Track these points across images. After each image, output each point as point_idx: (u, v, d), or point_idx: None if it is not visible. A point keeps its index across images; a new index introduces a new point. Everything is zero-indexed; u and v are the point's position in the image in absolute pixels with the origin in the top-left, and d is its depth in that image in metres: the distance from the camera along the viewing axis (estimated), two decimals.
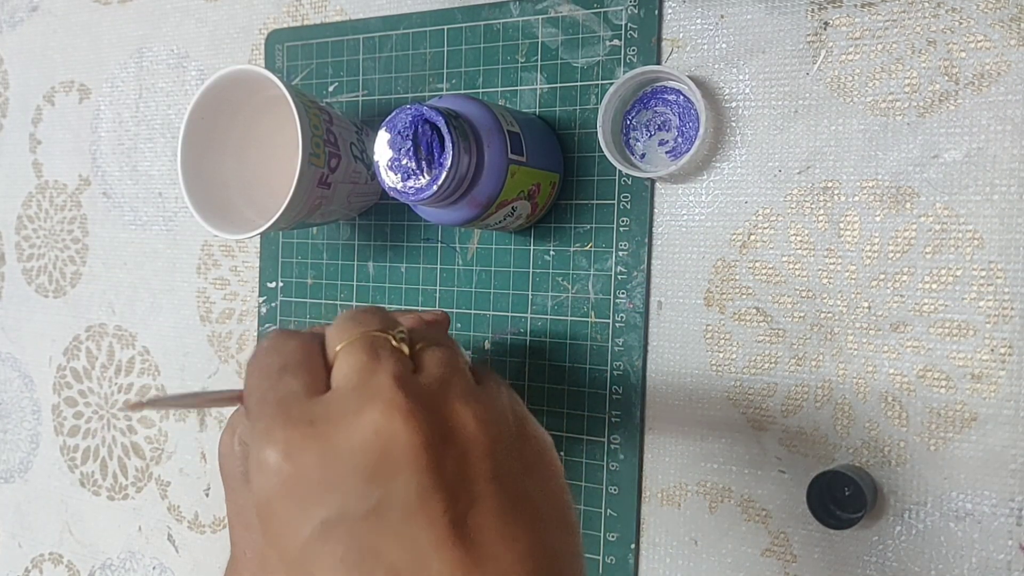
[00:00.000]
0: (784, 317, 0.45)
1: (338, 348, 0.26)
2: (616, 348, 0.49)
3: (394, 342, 0.27)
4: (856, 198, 0.44)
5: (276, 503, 0.24)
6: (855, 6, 0.44)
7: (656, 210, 0.48)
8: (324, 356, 0.27)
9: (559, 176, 0.49)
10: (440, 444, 0.24)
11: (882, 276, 0.43)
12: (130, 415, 0.68)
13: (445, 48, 0.54)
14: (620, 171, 0.48)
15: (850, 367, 0.44)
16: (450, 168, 0.42)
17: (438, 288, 0.54)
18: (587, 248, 0.50)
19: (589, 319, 0.49)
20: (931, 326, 0.42)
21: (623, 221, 0.49)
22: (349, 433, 0.23)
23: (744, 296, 0.46)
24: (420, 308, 0.55)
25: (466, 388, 0.26)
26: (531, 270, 0.51)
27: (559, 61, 0.50)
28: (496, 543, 0.24)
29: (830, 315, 0.44)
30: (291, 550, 0.24)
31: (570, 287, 0.50)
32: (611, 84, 0.47)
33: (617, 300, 0.49)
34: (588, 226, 0.50)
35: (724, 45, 0.46)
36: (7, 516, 0.76)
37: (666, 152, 0.48)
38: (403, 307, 0.56)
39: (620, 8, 0.48)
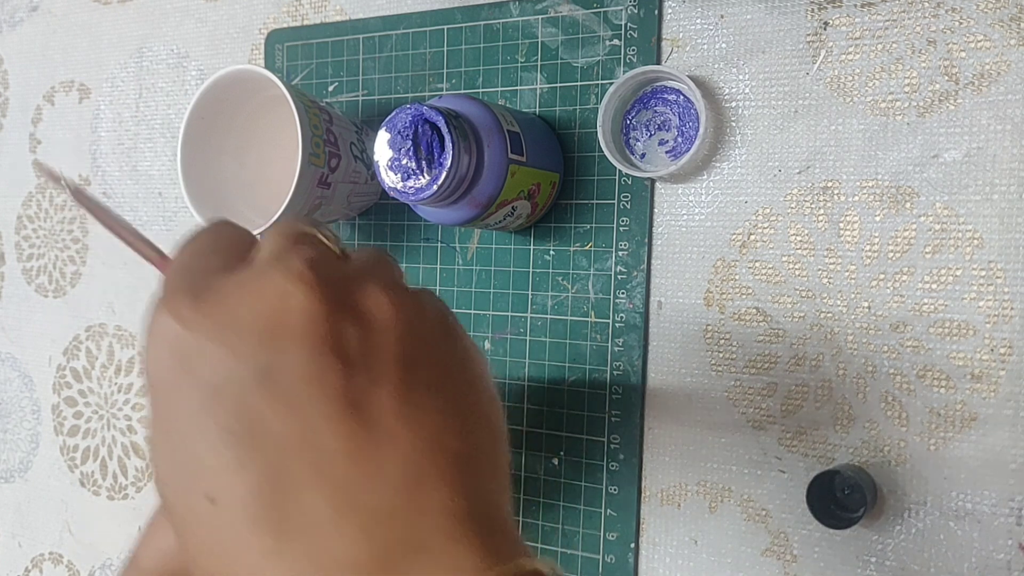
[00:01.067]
0: (784, 317, 0.45)
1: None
2: (616, 348, 0.49)
3: (324, 240, 0.25)
4: (856, 198, 0.44)
5: (166, 372, 0.22)
6: (855, 6, 0.44)
7: (656, 210, 0.48)
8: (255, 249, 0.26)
9: (559, 176, 0.49)
10: (342, 318, 0.22)
11: (882, 276, 0.43)
12: (130, 416, 0.68)
13: (445, 48, 0.54)
14: (620, 171, 0.48)
15: (850, 367, 0.44)
16: (450, 168, 0.42)
17: (438, 288, 0.54)
18: (587, 248, 0.50)
19: (589, 319, 0.50)
20: (931, 326, 0.42)
21: (623, 221, 0.49)
22: (249, 296, 0.22)
23: (744, 296, 0.46)
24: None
25: (390, 279, 0.25)
26: (531, 270, 0.51)
27: (559, 61, 0.50)
28: (397, 424, 0.22)
29: (830, 315, 0.44)
30: (179, 424, 0.22)
31: (570, 287, 0.50)
32: (611, 84, 0.47)
33: (617, 300, 0.49)
34: (588, 226, 0.50)
35: (724, 45, 0.46)
36: (7, 516, 0.76)
37: (666, 152, 0.48)
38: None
39: (620, 8, 0.48)
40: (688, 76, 0.46)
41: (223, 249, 0.25)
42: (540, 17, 0.51)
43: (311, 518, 0.21)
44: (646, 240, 0.48)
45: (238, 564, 0.21)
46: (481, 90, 0.53)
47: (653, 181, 0.48)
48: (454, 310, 0.54)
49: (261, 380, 0.22)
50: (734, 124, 0.46)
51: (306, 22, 0.60)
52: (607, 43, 0.49)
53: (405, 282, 0.26)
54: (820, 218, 0.44)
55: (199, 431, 0.22)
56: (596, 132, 0.47)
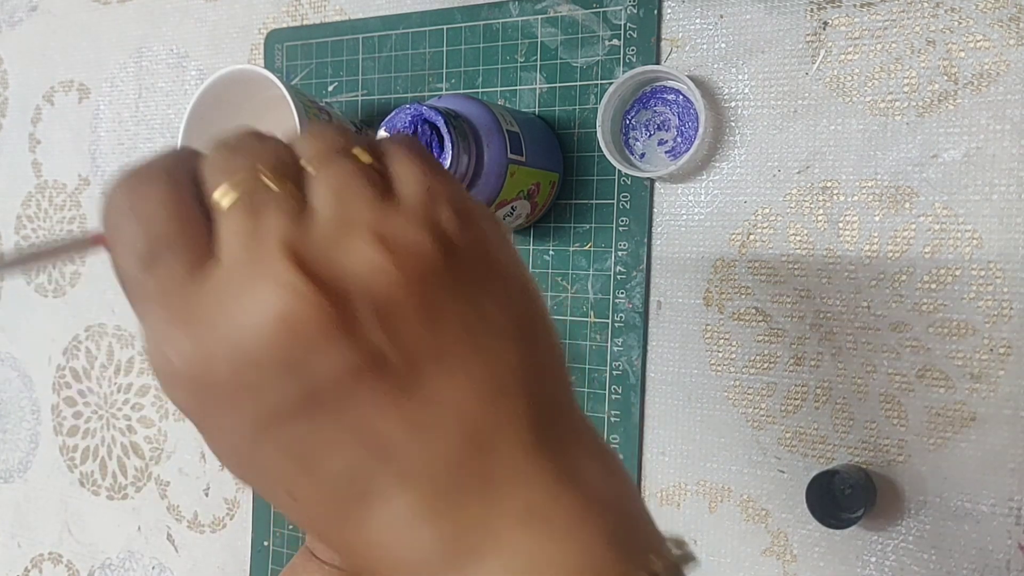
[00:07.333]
0: (783, 317, 0.45)
1: (217, 200, 0.22)
2: (615, 348, 0.49)
3: (273, 185, 0.22)
4: (855, 198, 0.44)
5: (199, 411, 0.22)
6: (854, 6, 0.44)
7: (655, 210, 0.48)
8: (202, 207, 0.22)
9: (558, 176, 0.49)
10: (350, 311, 0.21)
11: (881, 276, 0.43)
12: (129, 416, 0.68)
13: (445, 48, 0.54)
14: (619, 171, 0.49)
15: (849, 367, 0.44)
16: (449, 168, 0.42)
17: None
18: (586, 248, 0.50)
19: (588, 319, 0.50)
20: (930, 326, 0.42)
21: (622, 221, 0.49)
22: (247, 325, 0.21)
23: (743, 296, 0.46)
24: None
25: (368, 217, 0.22)
26: (530, 270, 0.51)
27: (558, 61, 0.50)
28: (445, 388, 0.22)
29: (829, 315, 0.44)
30: (236, 445, 0.22)
31: (569, 287, 0.50)
32: (611, 84, 0.47)
33: (616, 300, 0.49)
34: (587, 226, 0.50)
35: (723, 45, 0.46)
36: (7, 516, 0.76)
37: (665, 152, 0.48)
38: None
39: (619, 8, 0.48)
40: (687, 76, 0.46)
41: (168, 241, 0.22)
42: (540, 17, 0.51)
43: (390, 518, 0.21)
44: (645, 240, 0.48)
45: (330, 541, 0.23)
46: (481, 90, 0.53)
47: (652, 181, 0.48)
48: None
49: (304, 402, 0.21)
50: (733, 124, 0.46)
51: (306, 22, 0.60)
52: (607, 43, 0.49)
53: (378, 180, 0.23)
54: (819, 218, 0.44)
55: (260, 453, 0.22)
56: (596, 132, 0.47)
